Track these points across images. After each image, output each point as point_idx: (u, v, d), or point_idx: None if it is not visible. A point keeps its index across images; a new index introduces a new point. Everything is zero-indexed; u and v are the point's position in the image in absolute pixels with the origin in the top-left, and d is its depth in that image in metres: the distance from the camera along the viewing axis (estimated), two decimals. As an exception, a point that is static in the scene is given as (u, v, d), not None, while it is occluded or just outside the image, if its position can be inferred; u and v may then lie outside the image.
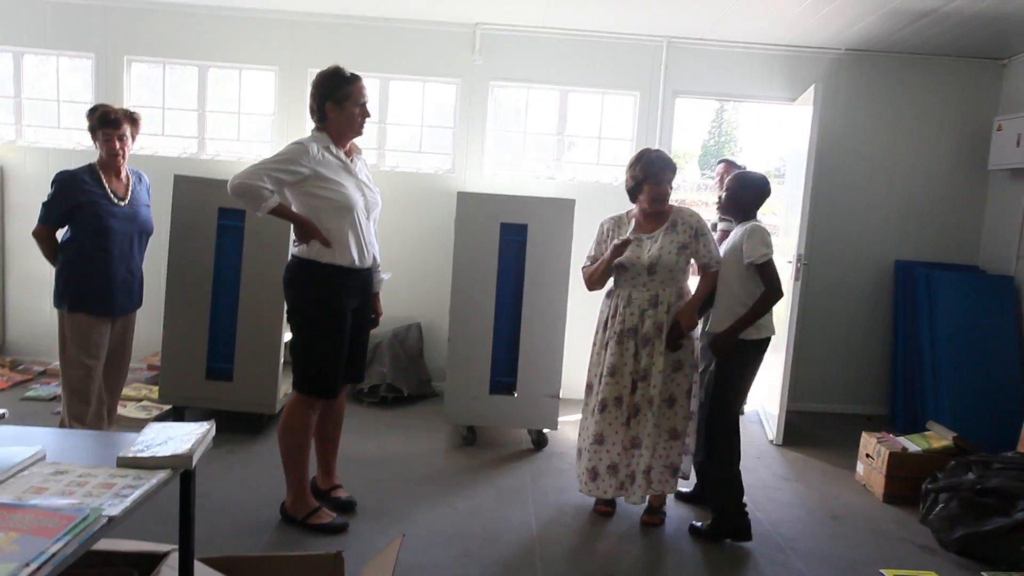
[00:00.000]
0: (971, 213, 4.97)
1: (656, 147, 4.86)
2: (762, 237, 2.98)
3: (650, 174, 3.04)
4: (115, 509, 1.31)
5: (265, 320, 3.85)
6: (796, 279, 4.26)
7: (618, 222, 3.22)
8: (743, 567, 2.87)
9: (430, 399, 4.74)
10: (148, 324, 4.37)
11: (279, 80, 4.87)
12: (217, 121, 5.06)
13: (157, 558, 1.93)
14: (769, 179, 3.20)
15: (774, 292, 2.97)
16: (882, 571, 2.88)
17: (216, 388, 3.91)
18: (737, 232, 3.09)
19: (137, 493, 1.39)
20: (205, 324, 3.90)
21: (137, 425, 3.94)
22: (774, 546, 3.06)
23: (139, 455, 1.52)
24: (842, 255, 4.98)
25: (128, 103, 4.86)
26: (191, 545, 1.69)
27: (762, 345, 3.06)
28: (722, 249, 3.12)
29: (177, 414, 3.99)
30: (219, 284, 3.90)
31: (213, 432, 1.74)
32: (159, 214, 4.18)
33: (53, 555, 1.13)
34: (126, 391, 4.33)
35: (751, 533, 3.03)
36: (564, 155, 5.08)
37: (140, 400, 4.24)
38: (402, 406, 4.61)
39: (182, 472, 1.62)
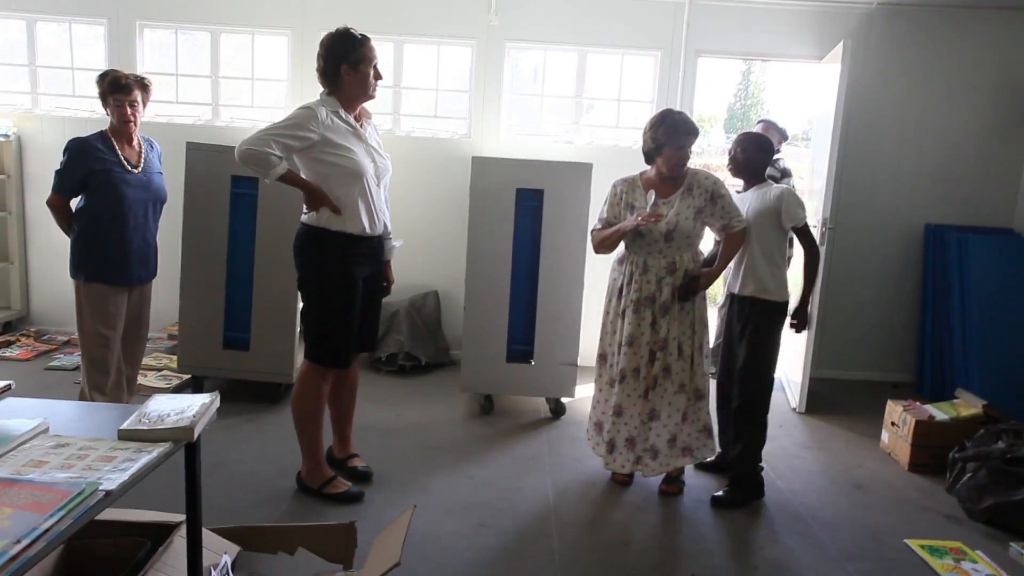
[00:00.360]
0: (1008, 174, 4.77)
1: (678, 108, 4.76)
2: (799, 200, 3.02)
3: (673, 138, 2.92)
4: (113, 483, 1.29)
5: (280, 289, 3.82)
6: (822, 244, 4.13)
7: (631, 184, 3.09)
8: (762, 537, 2.82)
9: (448, 367, 4.72)
10: (167, 294, 4.39)
11: (292, 44, 4.79)
12: (230, 87, 5.00)
13: (170, 528, 1.93)
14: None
15: (817, 252, 3.12)
16: (906, 541, 2.82)
17: (233, 357, 3.91)
18: (757, 195, 3.07)
19: (136, 466, 1.36)
20: (221, 294, 3.89)
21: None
22: (795, 515, 3.01)
23: (140, 428, 1.50)
24: (870, 219, 4.83)
25: (141, 69, 4.81)
26: (198, 516, 1.68)
27: (786, 307, 3.08)
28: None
29: (196, 383, 4.01)
30: (233, 253, 3.88)
31: (218, 403, 1.71)
32: (173, 183, 4.18)
33: (46, 531, 1.11)
34: (146, 360, 4.37)
35: (764, 490, 3.13)
36: (583, 118, 4.95)
37: (160, 370, 4.27)
38: (420, 375, 4.60)
39: (186, 444, 1.60)
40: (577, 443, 3.62)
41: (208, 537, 2.06)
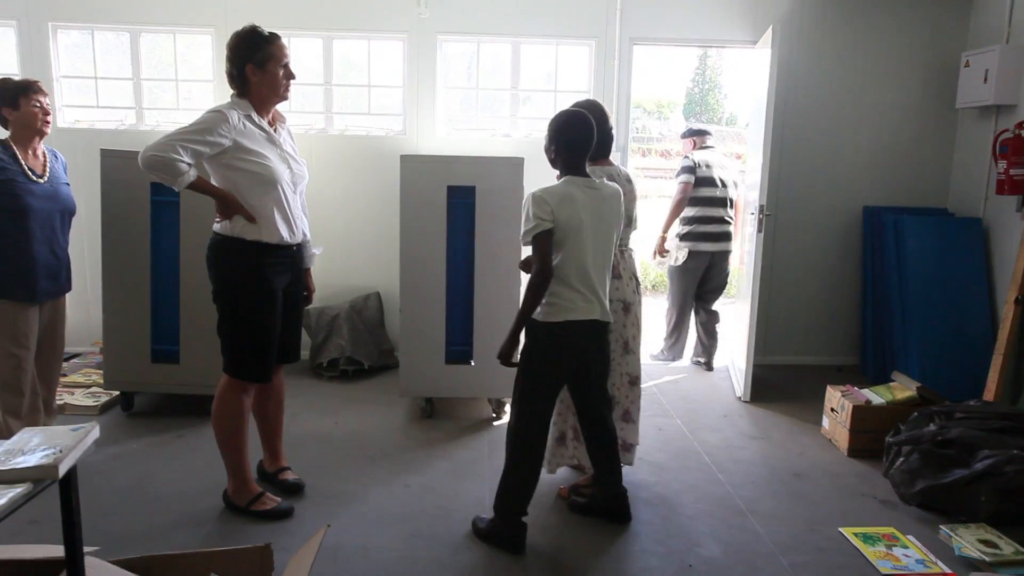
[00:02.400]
0: (940, 154, 4.83)
1: (614, 97, 4.72)
2: (528, 211, 2.52)
3: None
4: (-50, 537, 1.18)
5: (209, 298, 3.62)
6: (759, 231, 4.13)
7: None
8: (699, 533, 2.80)
9: (393, 370, 4.63)
10: (95, 308, 4.23)
11: (216, 43, 4.62)
12: (154, 90, 4.82)
13: (58, 565, 1.81)
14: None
15: (533, 282, 2.51)
16: (840, 529, 2.82)
17: (163, 371, 3.77)
18: None
19: (-17, 515, 1.26)
20: (146, 306, 3.75)
21: (86, 413, 3.84)
22: (733, 509, 3.00)
23: (-3, 469, 1.39)
24: (809, 203, 4.85)
25: (56, 73, 4.64)
26: (79, 558, 1.57)
27: (540, 331, 2.58)
28: None
29: (126, 399, 3.87)
30: (157, 263, 3.74)
31: (96, 434, 1.60)
32: (91, 192, 4.02)
33: None
34: (74, 377, 4.22)
35: (518, 548, 2.64)
36: (519, 110, 4.88)
37: (88, 387, 4.11)
38: (363, 379, 4.51)
39: (61, 481, 1.49)
40: (518, 444, 3.55)
41: (107, 570, 1.95)
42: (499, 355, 2.60)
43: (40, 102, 3.09)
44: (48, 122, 3.14)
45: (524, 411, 2.64)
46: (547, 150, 2.67)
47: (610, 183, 2.72)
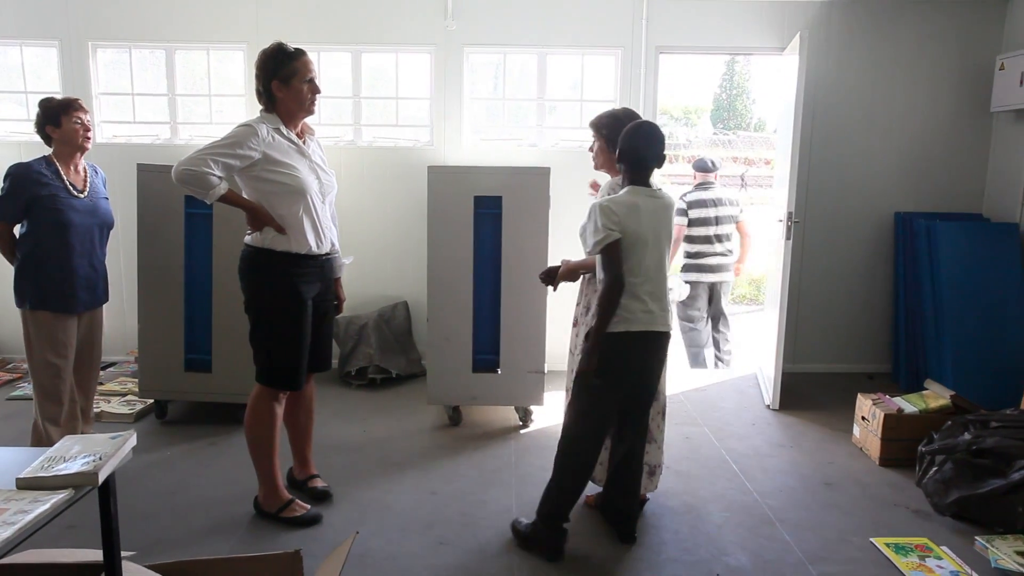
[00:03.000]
0: (974, 159, 4.74)
1: (641, 106, 4.73)
2: (595, 222, 2.50)
3: None
4: (-4, 540, 1.23)
5: (240, 308, 3.69)
6: (787, 238, 4.10)
7: None
8: (727, 542, 2.78)
9: (420, 378, 4.66)
10: (131, 318, 4.34)
11: (248, 59, 4.72)
12: (189, 105, 4.94)
13: (98, 569, 1.87)
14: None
15: (608, 287, 2.47)
16: (872, 540, 2.78)
17: (196, 380, 3.86)
18: None
19: (27, 519, 1.31)
20: (180, 316, 3.84)
21: (122, 421, 3.94)
22: (762, 518, 2.97)
23: (39, 475, 1.44)
24: (839, 210, 4.79)
25: (96, 90, 4.77)
26: (117, 563, 1.62)
27: (619, 339, 2.52)
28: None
29: (160, 408, 3.96)
30: (191, 274, 3.83)
31: (134, 441, 1.65)
32: (127, 205, 4.13)
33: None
34: (110, 386, 4.33)
35: (558, 554, 2.64)
36: (546, 120, 4.90)
37: (124, 395, 4.21)
38: (391, 387, 4.55)
39: (99, 487, 1.54)
40: (544, 452, 3.56)
41: (145, 575, 2.00)
42: (580, 372, 2.55)
43: (81, 119, 3.19)
44: (89, 138, 3.24)
45: (581, 423, 2.62)
46: (617, 157, 2.62)
47: (667, 192, 2.69)
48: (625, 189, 2.58)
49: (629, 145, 2.57)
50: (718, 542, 2.78)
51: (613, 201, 2.51)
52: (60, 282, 3.15)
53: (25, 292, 3.15)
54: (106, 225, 3.34)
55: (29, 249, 3.14)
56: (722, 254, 5.01)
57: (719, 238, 4.99)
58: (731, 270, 5.08)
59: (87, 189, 3.26)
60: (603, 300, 2.48)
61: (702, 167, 5.13)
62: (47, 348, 3.17)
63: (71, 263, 3.17)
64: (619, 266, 2.48)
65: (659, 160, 2.59)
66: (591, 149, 3.00)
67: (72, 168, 3.23)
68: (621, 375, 2.57)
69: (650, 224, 2.53)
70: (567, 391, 3.02)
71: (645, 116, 4.72)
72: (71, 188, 3.19)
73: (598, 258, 2.54)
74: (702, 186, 5.08)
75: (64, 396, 3.25)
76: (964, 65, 4.65)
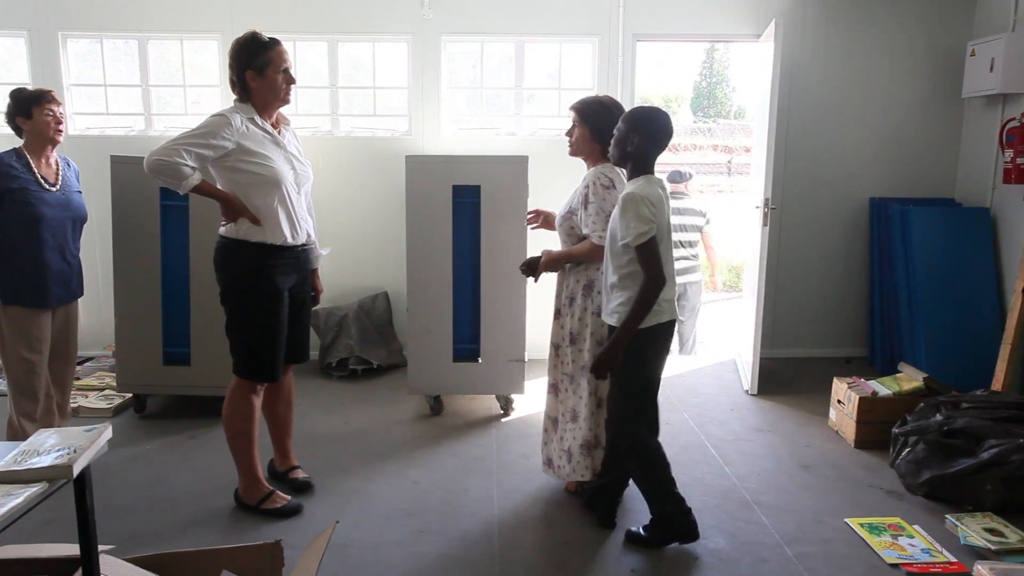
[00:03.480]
0: (946, 144, 4.81)
1: (619, 94, 4.74)
2: (637, 211, 2.40)
3: None
4: (-33, 534, 1.22)
5: (218, 301, 3.73)
6: (764, 224, 4.13)
7: None
8: (705, 526, 2.80)
9: (402, 369, 4.66)
10: (107, 312, 4.29)
11: (223, 48, 4.67)
12: (162, 95, 4.88)
13: (74, 563, 1.86)
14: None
15: (651, 280, 2.42)
16: (846, 520, 2.83)
17: (175, 373, 3.83)
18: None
19: (0, 512, 1.30)
20: (157, 309, 3.81)
21: (100, 416, 3.90)
22: (740, 502, 3.01)
23: (13, 468, 1.43)
24: (815, 196, 4.84)
25: (67, 81, 4.70)
26: (94, 555, 1.62)
27: (652, 333, 2.52)
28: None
29: (138, 401, 3.93)
30: (167, 267, 3.80)
31: (109, 434, 1.64)
32: (102, 198, 4.08)
33: None
34: (88, 380, 4.29)
35: (694, 532, 2.63)
36: (524, 108, 4.90)
37: (102, 389, 4.17)
38: (372, 378, 4.55)
39: (75, 480, 1.53)
40: (526, 440, 3.59)
41: (122, 568, 2.00)
42: (599, 364, 2.51)
43: (53, 111, 3.13)
44: (60, 131, 3.18)
45: (639, 420, 2.61)
46: (623, 141, 2.51)
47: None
48: (643, 179, 2.50)
49: (648, 133, 2.48)
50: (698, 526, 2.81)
51: (644, 192, 2.43)
52: (33, 276, 3.11)
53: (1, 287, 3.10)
54: (79, 219, 3.30)
55: (0, 243, 3.10)
56: (685, 258, 5.05)
57: (681, 244, 5.03)
58: (695, 272, 5.12)
59: (59, 182, 3.21)
60: (645, 298, 2.42)
61: (674, 179, 5.19)
62: (21, 343, 3.13)
63: (43, 257, 3.13)
64: (659, 261, 2.43)
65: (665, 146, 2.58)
66: (569, 134, 2.90)
67: (44, 161, 3.18)
68: (660, 365, 2.63)
69: (666, 215, 2.55)
70: (554, 387, 2.99)
71: (623, 103, 4.75)
72: (43, 181, 3.14)
73: (635, 251, 2.42)
74: (673, 195, 5.11)
75: (39, 392, 3.22)
76: (936, 51, 4.70)
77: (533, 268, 2.97)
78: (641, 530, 2.69)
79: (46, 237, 3.13)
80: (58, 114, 3.16)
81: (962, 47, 4.54)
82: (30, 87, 3.27)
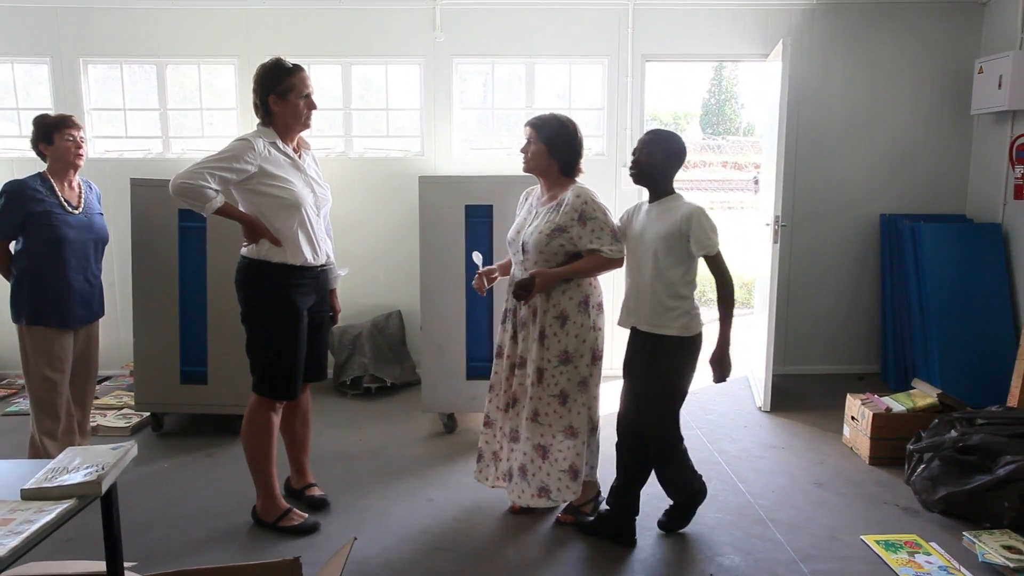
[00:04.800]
0: (956, 161, 4.82)
1: (628, 113, 4.79)
2: (712, 223, 2.61)
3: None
4: (2, 549, 1.26)
5: (235, 320, 3.68)
6: (775, 241, 4.16)
7: (529, 193, 3.03)
8: (719, 542, 2.82)
9: (416, 387, 4.69)
10: (125, 331, 4.36)
11: (239, 72, 4.77)
12: (179, 119, 4.98)
13: (101, 580, 1.90)
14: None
15: (730, 284, 2.66)
16: (862, 537, 2.82)
17: (192, 392, 3.88)
18: (661, 210, 2.67)
19: (33, 528, 1.34)
20: (175, 328, 3.86)
21: (118, 434, 3.95)
22: (754, 518, 3.01)
23: (44, 486, 1.47)
24: (826, 212, 4.86)
25: (87, 106, 4.81)
26: (120, 572, 1.65)
27: (695, 342, 2.71)
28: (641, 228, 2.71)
29: (156, 420, 3.98)
30: (185, 287, 3.86)
31: (135, 452, 1.68)
32: (121, 220, 4.16)
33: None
34: (106, 399, 4.34)
35: (703, 491, 2.91)
36: (535, 129, 4.95)
37: (120, 408, 4.22)
38: (386, 396, 4.58)
39: (102, 497, 1.57)
40: (539, 457, 3.60)
41: (145, 585, 2.03)
42: (720, 365, 2.70)
43: (73, 136, 3.21)
44: (81, 155, 3.26)
45: (674, 420, 2.80)
46: (655, 164, 2.67)
47: None
48: (677, 195, 2.72)
49: (676, 154, 2.70)
50: (711, 542, 2.82)
51: (700, 206, 2.67)
52: (56, 298, 3.17)
53: (21, 308, 3.17)
54: (101, 240, 3.37)
55: (25, 265, 3.17)
56: None
57: None
58: None
59: (82, 205, 3.29)
60: (732, 298, 2.67)
61: None
62: (44, 363, 3.19)
63: (67, 278, 3.20)
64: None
65: None
66: (524, 150, 2.86)
67: (67, 184, 3.26)
68: (695, 368, 2.77)
69: None
70: (532, 418, 2.79)
71: (632, 123, 4.81)
72: (66, 204, 3.21)
73: (710, 259, 2.62)
74: None
75: (61, 410, 3.27)
76: (944, 69, 4.74)
77: (528, 290, 2.68)
78: (667, 518, 2.91)
79: (69, 259, 3.20)
80: (78, 139, 3.23)
81: (970, 64, 4.57)
82: (52, 113, 3.36)
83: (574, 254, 2.76)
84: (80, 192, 3.32)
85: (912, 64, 4.74)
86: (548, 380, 2.78)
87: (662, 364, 2.68)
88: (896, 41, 4.72)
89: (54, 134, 3.19)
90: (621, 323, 2.81)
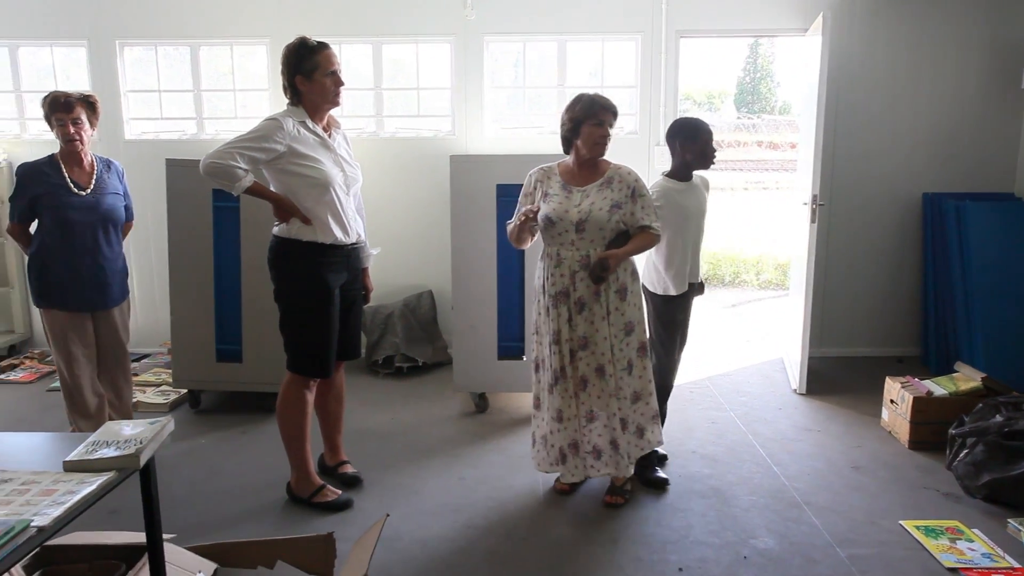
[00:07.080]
0: (1005, 137, 4.65)
1: (662, 91, 4.71)
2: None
3: (590, 114, 2.79)
4: (47, 519, 1.29)
5: (269, 299, 3.76)
6: (812, 221, 4.06)
7: (547, 173, 2.95)
8: (754, 525, 2.78)
9: (447, 366, 4.70)
10: (163, 310, 4.44)
11: (271, 53, 4.78)
12: (213, 100, 5.02)
13: (144, 549, 1.93)
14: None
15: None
16: (901, 522, 2.77)
17: (227, 370, 3.94)
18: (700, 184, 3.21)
19: (75, 499, 1.37)
20: (211, 307, 3.92)
21: (156, 410, 4.03)
22: (789, 502, 2.97)
23: (85, 458, 1.50)
24: (865, 191, 4.73)
25: (124, 88, 4.86)
26: (159, 540, 1.68)
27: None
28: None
29: (193, 397, 4.05)
30: (220, 266, 3.90)
31: (172, 427, 1.71)
32: (157, 200, 4.21)
33: (-32, 573, 1.11)
34: (145, 376, 4.43)
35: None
36: (567, 108, 4.89)
37: (159, 385, 4.31)
38: (417, 375, 4.60)
39: (140, 470, 1.60)
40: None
41: (184, 556, 2.07)
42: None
43: (64, 120, 3.10)
44: (74, 140, 3.12)
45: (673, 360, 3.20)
46: (689, 148, 3.07)
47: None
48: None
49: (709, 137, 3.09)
50: (745, 525, 2.79)
51: None
52: (65, 280, 3.17)
53: (35, 290, 3.21)
54: (111, 221, 3.26)
55: (36, 248, 3.18)
56: None
57: None
58: None
59: (92, 184, 3.21)
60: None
61: None
62: (60, 343, 3.22)
63: (73, 261, 3.16)
64: None
65: None
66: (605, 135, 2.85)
67: (76, 165, 3.20)
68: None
69: None
70: (614, 394, 2.86)
71: (666, 102, 4.73)
72: (72, 185, 3.15)
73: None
74: None
75: (86, 389, 3.28)
76: (994, 41, 4.56)
77: (607, 269, 2.71)
78: (659, 472, 3.16)
79: (75, 241, 3.16)
80: (68, 124, 3.11)
81: (1021, 37, 4.39)
82: (76, 91, 3.23)
83: (621, 231, 2.84)
84: (93, 171, 3.24)
85: (959, 36, 4.57)
86: (618, 354, 2.86)
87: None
88: (942, 12, 4.55)
89: (51, 117, 3.13)
90: (678, 290, 3.08)
